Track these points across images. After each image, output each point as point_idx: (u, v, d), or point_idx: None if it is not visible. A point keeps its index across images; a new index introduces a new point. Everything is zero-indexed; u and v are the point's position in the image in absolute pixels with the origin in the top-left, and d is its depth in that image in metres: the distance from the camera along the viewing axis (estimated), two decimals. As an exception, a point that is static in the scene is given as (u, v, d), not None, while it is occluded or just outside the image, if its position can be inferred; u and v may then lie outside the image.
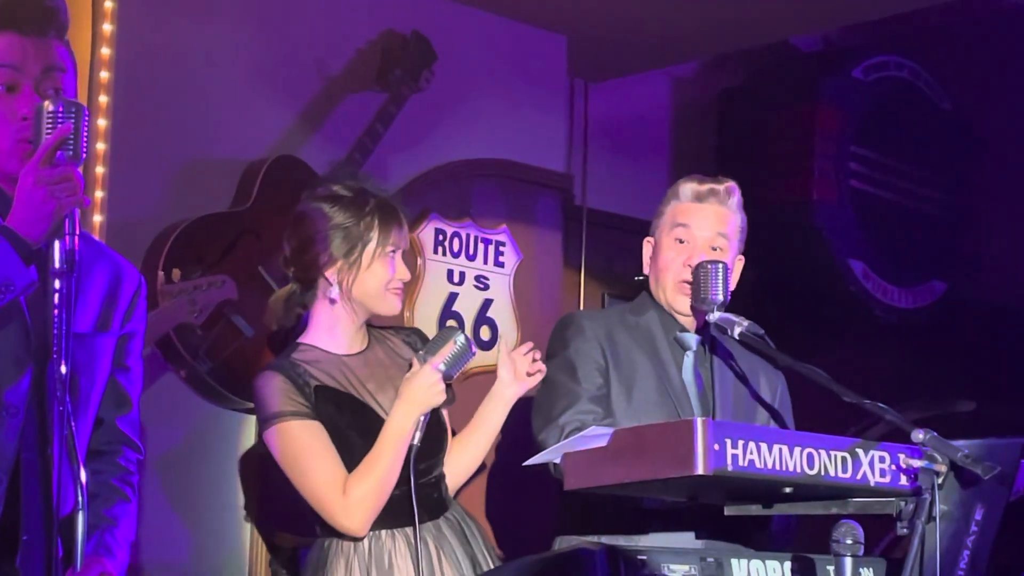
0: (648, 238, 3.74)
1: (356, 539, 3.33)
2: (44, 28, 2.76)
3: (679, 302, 3.61)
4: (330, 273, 3.40)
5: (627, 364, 3.57)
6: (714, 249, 3.61)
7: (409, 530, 3.34)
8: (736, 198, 3.69)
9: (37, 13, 2.76)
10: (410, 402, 3.33)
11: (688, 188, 3.68)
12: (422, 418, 3.33)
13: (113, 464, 2.91)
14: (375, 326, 3.55)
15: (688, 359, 3.63)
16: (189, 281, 4.41)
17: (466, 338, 3.40)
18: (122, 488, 2.91)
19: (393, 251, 3.43)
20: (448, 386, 3.50)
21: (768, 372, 3.73)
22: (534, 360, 3.51)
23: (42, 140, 2.53)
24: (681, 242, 3.63)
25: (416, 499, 3.32)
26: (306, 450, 3.30)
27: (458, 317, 5.48)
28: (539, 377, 3.51)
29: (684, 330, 3.65)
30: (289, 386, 3.32)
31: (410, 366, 3.42)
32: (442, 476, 3.49)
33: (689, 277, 3.56)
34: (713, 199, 3.66)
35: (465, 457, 3.54)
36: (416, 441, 3.32)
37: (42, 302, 2.62)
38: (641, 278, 3.78)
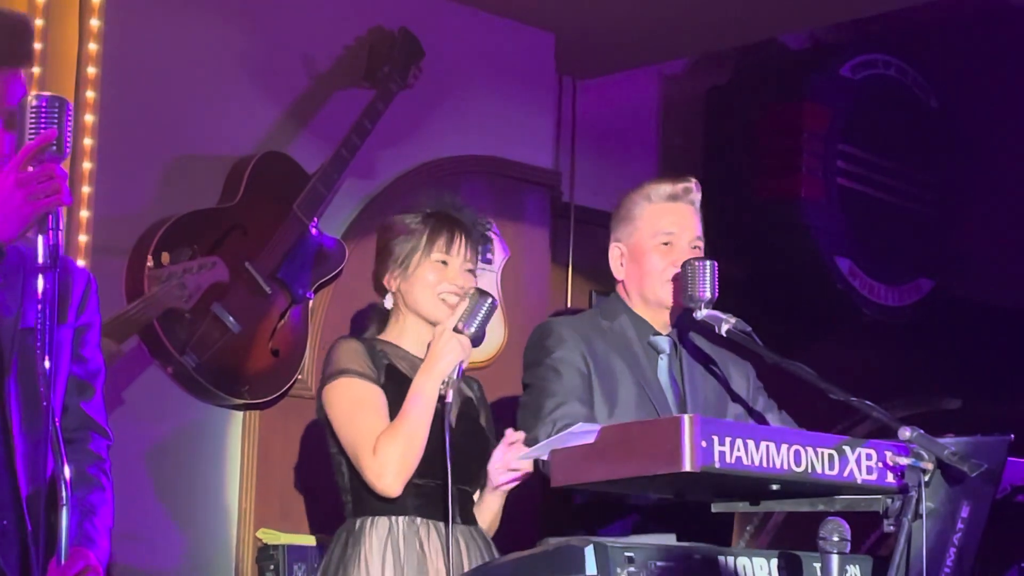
0: (617, 243, 3.72)
1: (393, 517, 3.40)
2: (18, 61, 2.75)
3: (672, 296, 3.62)
4: (385, 280, 3.59)
5: (607, 370, 3.58)
6: (694, 248, 3.63)
7: (442, 525, 3.41)
8: (700, 195, 3.73)
9: (14, 46, 2.75)
10: (427, 363, 3.43)
11: (661, 189, 3.69)
12: (454, 375, 3.42)
13: (84, 451, 2.91)
14: None
15: (663, 362, 3.65)
16: (179, 264, 4.40)
17: (479, 292, 3.47)
18: (96, 476, 2.91)
19: (443, 260, 3.54)
20: (492, 429, 3.63)
21: (737, 363, 3.75)
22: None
23: (24, 135, 2.52)
24: (666, 245, 3.64)
25: (456, 499, 3.40)
26: (360, 406, 3.43)
27: (445, 314, 5.47)
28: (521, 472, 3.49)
29: (656, 333, 3.66)
30: (365, 352, 3.49)
31: (468, 395, 3.60)
32: (473, 496, 3.57)
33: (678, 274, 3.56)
34: (686, 198, 3.68)
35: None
36: (448, 398, 3.41)
37: (6, 298, 2.64)
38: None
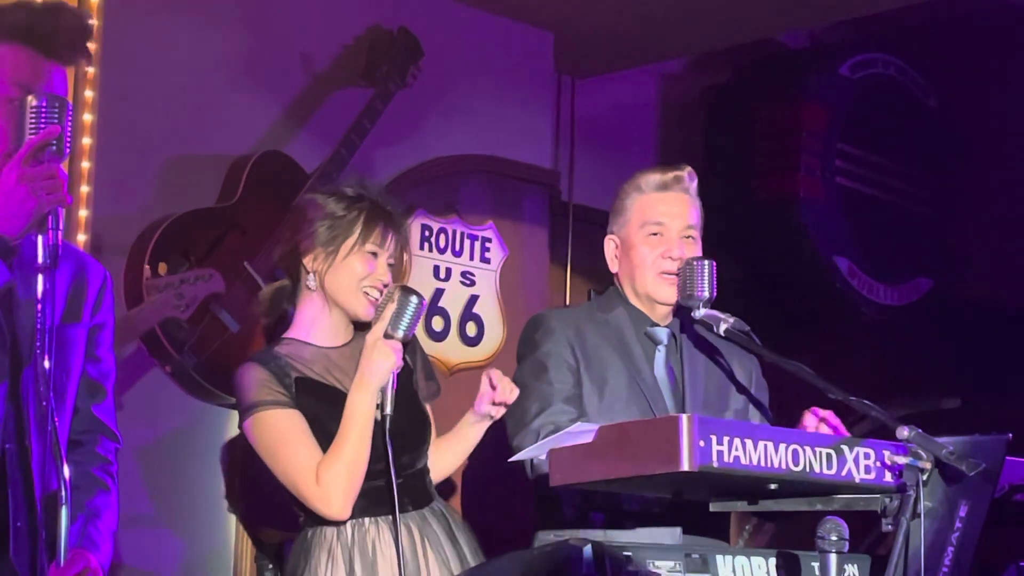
0: (611, 236, 3.71)
1: (339, 525, 3.32)
2: (64, 55, 2.74)
3: (663, 292, 3.60)
4: (307, 260, 3.41)
5: (597, 362, 3.57)
6: (686, 238, 3.60)
7: (392, 519, 3.33)
8: (696, 184, 3.69)
9: (57, 34, 2.73)
10: (360, 378, 3.28)
11: (652, 179, 3.66)
12: (388, 388, 3.27)
13: (92, 454, 2.91)
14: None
15: (660, 354, 3.63)
16: (176, 275, 4.40)
17: (403, 291, 3.30)
18: (102, 478, 2.91)
19: (374, 252, 3.41)
20: (433, 379, 3.53)
21: (741, 357, 3.72)
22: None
23: (24, 134, 2.52)
24: (655, 235, 3.62)
25: (401, 489, 3.30)
26: (283, 438, 3.30)
27: (444, 313, 5.48)
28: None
29: (654, 325, 3.65)
30: (268, 376, 3.33)
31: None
32: (426, 468, 3.49)
33: (669, 267, 3.55)
34: (677, 187, 3.65)
35: (438, 464, 3.54)
36: (388, 411, 3.26)
37: (11, 300, 2.63)
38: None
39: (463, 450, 3.55)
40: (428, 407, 3.53)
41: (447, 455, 3.56)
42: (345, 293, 3.41)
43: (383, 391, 3.28)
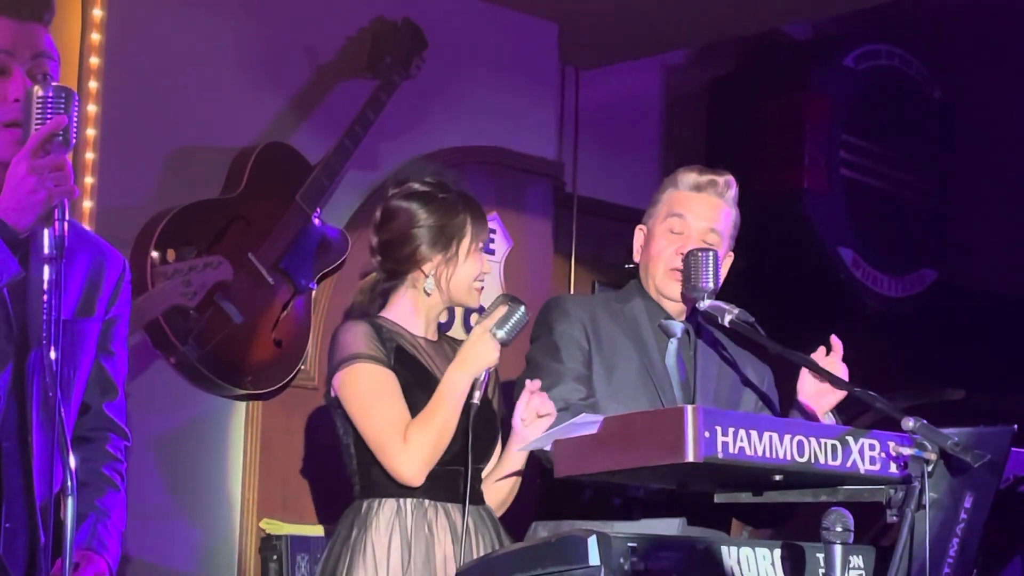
0: (640, 226, 3.73)
1: (400, 500, 3.39)
2: (37, 13, 2.74)
3: (669, 288, 3.61)
4: (427, 268, 3.54)
5: (609, 347, 3.58)
6: (705, 243, 3.61)
7: (451, 506, 3.42)
8: (733, 192, 3.70)
9: None
10: (463, 360, 3.42)
11: (688, 177, 3.67)
12: (482, 376, 3.42)
13: (101, 451, 2.90)
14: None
15: (672, 346, 3.64)
16: (184, 262, 4.40)
17: (513, 300, 3.47)
18: (111, 477, 2.90)
19: (482, 246, 3.59)
20: (503, 407, 3.65)
21: (755, 364, 3.74)
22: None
23: (32, 125, 2.52)
24: (675, 232, 3.63)
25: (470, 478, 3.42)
26: (378, 392, 3.41)
27: (448, 304, 5.48)
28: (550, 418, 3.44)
29: (669, 318, 3.65)
30: (373, 335, 3.46)
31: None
32: (482, 477, 3.56)
33: (680, 265, 3.56)
34: (711, 190, 3.66)
35: (494, 495, 3.59)
36: (476, 400, 3.41)
37: (24, 291, 2.62)
38: (631, 266, 3.78)
39: (508, 478, 3.57)
40: (498, 419, 3.62)
41: (498, 490, 3.60)
42: (464, 292, 3.58)
43: (475, 382, 3.42)
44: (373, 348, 3.44)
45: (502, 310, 3.45)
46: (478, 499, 3.52)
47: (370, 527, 3.39)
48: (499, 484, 3.58)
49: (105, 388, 2.90)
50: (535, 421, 3.40)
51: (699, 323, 3.67)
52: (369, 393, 3.42)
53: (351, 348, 3.45)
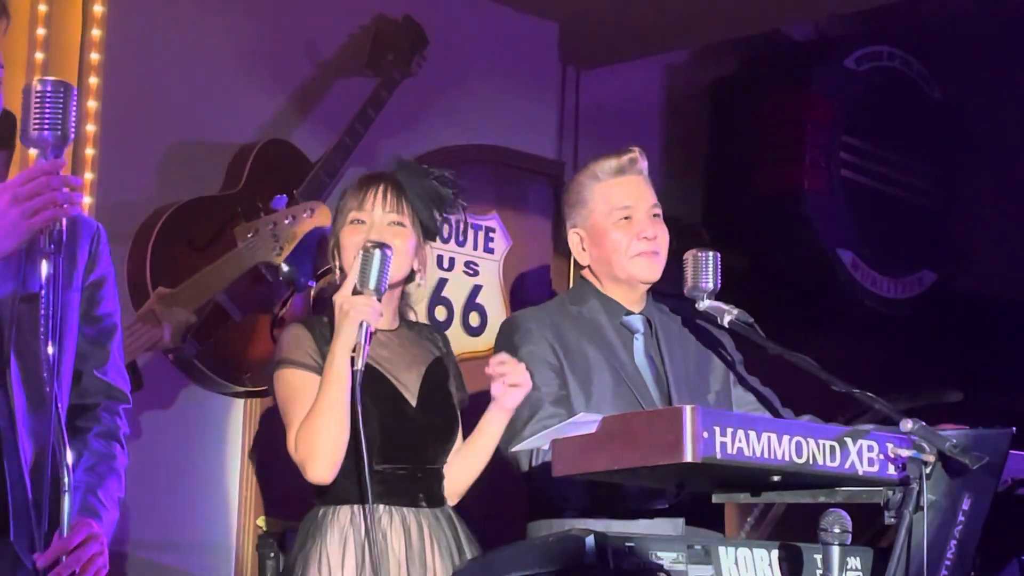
0: (574, 230, 3.70)
1: (353, 506, 3.32)
2: None
3: (643, 272, 3.60)
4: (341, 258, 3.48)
5: (580, 359, 3.55)
6: (654, 216, 3.62)
7: (407, 511, 3.36)
8: (647, 163, 3.70)
9: None
10: (336, 335, 3.27)
11: (607, 165, 3.67)
12: (361, 340, 3.23)
13: (95, 418, 2.88)
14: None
15: (638, 342, 3.63)
16: (270, 216, 4.38)
17: (370, 248, 3.29)
18: (107, 444, 2.87)
19: (356, 215, 3.53)
20: (463, 390, 3.57)
21: (711, 330, 3.71)
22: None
23: (30, 118, 2.51)
24: (627, 219, 3.62)
25: (419, 483, 3.38)
26: (295, 399, 3.35)
27: (447, 303, 5.47)
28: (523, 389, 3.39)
29: (628, 313, 3.64)
30: (307, 338, 3.40)
31: (435, 356, 3.52)
32: (443, 473, 3.48)
33: (645, 247, 3.57)
34: (633, 169, 3.66)
35: (466, 464, 3.50)
36: (359, 366, 3.21)
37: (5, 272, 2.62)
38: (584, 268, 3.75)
39: (483, 446, 3.46)
40: (458, 411, 3.54)
41: (471, 455, 3.49)
42: (348, 266, 3.42)
43: (356, 347, 3.24)
44: (302, 353, 3.36)
45: (356, 266, 3.27)
46: (436, 500, 3.44)
47: (324, 535, 3.33)
48: (472, 457, 3.47)
49: (93, 352, 2.87)
50: (507, 392, 3.33)
51: (648, 306, 3.67)
52: (285, 399, 3.37)
53: (279, 352, 3.41)
